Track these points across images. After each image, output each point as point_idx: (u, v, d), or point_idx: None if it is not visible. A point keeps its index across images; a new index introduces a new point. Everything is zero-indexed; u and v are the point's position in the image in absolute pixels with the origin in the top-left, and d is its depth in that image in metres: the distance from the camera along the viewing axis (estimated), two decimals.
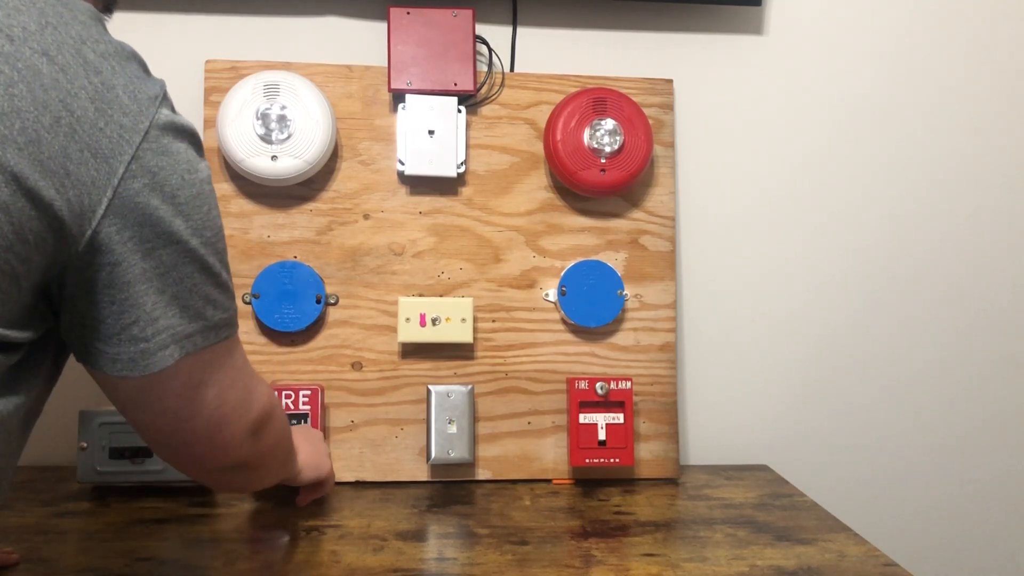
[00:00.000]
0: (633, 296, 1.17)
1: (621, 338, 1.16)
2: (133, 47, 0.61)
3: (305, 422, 1.07)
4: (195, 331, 0.62)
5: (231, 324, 0.67)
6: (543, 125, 1.16)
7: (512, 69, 1.20)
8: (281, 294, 1.09)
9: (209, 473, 0.73)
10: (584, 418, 1.09)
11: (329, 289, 1.12)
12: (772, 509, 1.03)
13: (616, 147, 1.12)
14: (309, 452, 0.96)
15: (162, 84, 0.61)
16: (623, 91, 1.16)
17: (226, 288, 0.66)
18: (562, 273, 1.14)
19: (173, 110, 0.62)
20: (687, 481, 1.15)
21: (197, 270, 0.62)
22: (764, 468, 1.23)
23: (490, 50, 1.18)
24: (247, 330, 1.10)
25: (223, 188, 1.11)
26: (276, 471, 0.84)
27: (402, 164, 1.12)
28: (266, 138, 1.06)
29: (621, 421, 1.10)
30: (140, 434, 0.68)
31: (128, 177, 0.57)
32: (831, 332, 1.28)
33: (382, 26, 1.17)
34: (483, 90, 1.16)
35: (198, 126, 1.15)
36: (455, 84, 1.13)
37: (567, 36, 1.23)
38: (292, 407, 1.07)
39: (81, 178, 0.54)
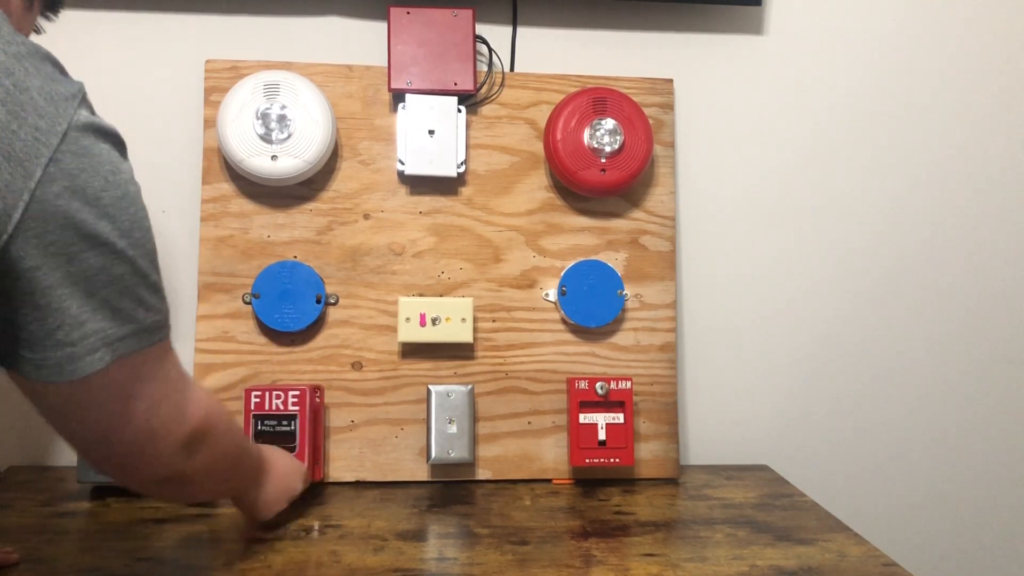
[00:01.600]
0: (633, 296, 1.17)
1: (621, 338, 1.16)
2: (48, 49, 0.59)
3: (294, 423, 1.05)
4: (127, 334, 0.61)
5: (163, 326, 0.65)
6: (543, 125, 1.16)
7: (512, 69, 1.20)
8: (281, 294, 1.09)
9: (141, 484, 0.71)
10: (584, 418, 1.09)
11: (329, 289, 1.12)
12: (772, 509, 1.03)
13: (616, 147, 1.12)
14: (280, 475, 0.92)
15: (80, 85, 0.60)
16: (623, 91, 1.16)
17: (157, 289, 0.64)
18: (562, 273, 1.14)
19: (93, 112, 0.60)
20: (687, 481, 1.15)
21: (127, 272, 0.60)
22: (764, 468, 1.23)
23: (490, 50, 1.18)
24: (247, 330, 1.10)
25: (223, 188, 1.11)
26: (218, 487, 0.81)
27: (402, 164, 1.12)
28: (266, 138, 1.06)
29: (621, 421, 1.09)
30: (68, 444, 0.66)
31: (46, 181, 0.55)
32: (831, 332, 1.28)
33: (382, 26, 1.17)
34: (483, 90, 1.16)
35: (198, 126, 1.15)
36: (455, 84, 1.13)
37: (567, 36, 1.23)
38: (282, 407, 1.04)
39: None
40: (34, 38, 0.79)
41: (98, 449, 0.65)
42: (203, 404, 0.71)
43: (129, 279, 0.60)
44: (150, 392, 0.64)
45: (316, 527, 0.94)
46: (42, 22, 0.77)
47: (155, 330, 0.63)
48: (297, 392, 1.05)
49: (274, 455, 0.92)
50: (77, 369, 0.58)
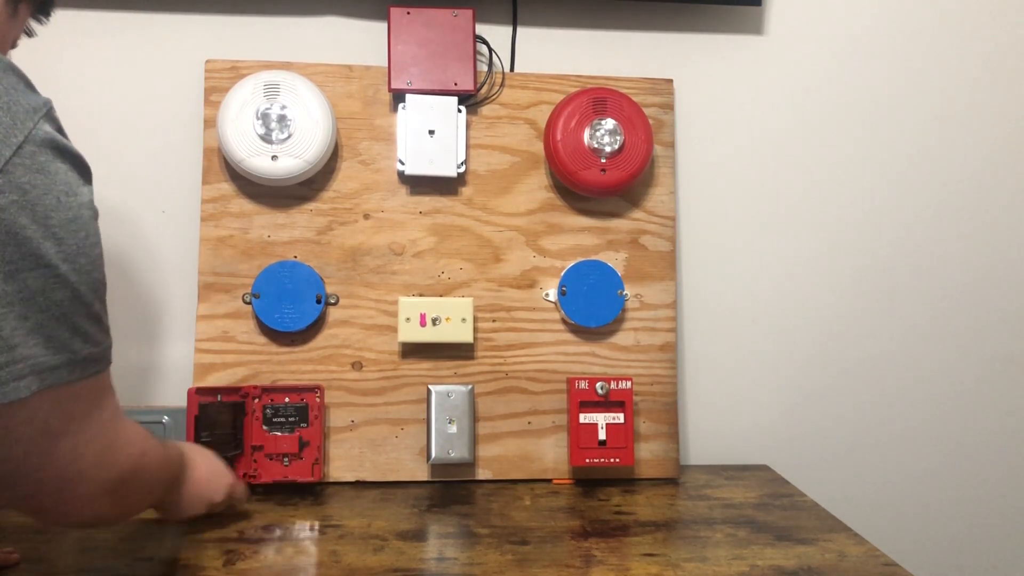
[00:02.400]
0: (633, 296, 1.17)
1: (621, 338, 1.16)
2: (14, 62, 0.57)
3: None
4: (59, 364, 0.57)
5: (100, 360, 0.62)
6: (543, 125, 1.16)
7: (512, 69, 1.20)
8: (281, 294, 1.09)
9: (58, 525, 0.67)
10: (584, 418, 1.09)
11: (329, 289, 1.12)
12: (772, 509, 1.03)
13: (616, 147, 1.12)
14: (199, 479, 0.87)
15: (47, 101, 0.58)
16: (623, 91, 1.16)
17: (99, 320, 0.61)
18: (562, 273, 1.14)
19: (59, 130, 0.58)
20: (687, 481, 1.15)
21: (67, 298, 0.57)
22: (764, 468, 1.23)
23: (490, 50, 1.18)
24: (247, 329, 1.10)
25: (223, 188, 1.11)
26: (140, 507, 0.76)
27: (402, 164, 1.12)
28: (266, 138, 1.06)
29: (621, 421, 1.09)
30: None
31: None
32: (831, 332, 1.28)
33: (382, 26, 1.17)
34: (483, 90, 1.16)
35: (198, 126, 1.15)
36: (455, 84, 1.13)
37: (567, 36, 1.23)
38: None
39: None
40: (32, 41, 0.78)
41: (20, 486, 0.61)
42: (137, 445, 0.67)
43: (68, 306, 0.57)
44: (79, 430, 0.60)
45: (316, 527, 0.94)
46: (34, 25, 0.76)
47: (91, 362, 0.60)
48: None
49: (197, 460, 0.87)
50: (1, 394, 0.55)
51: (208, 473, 0.88)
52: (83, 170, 0.60)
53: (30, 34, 0.76)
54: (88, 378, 0.60)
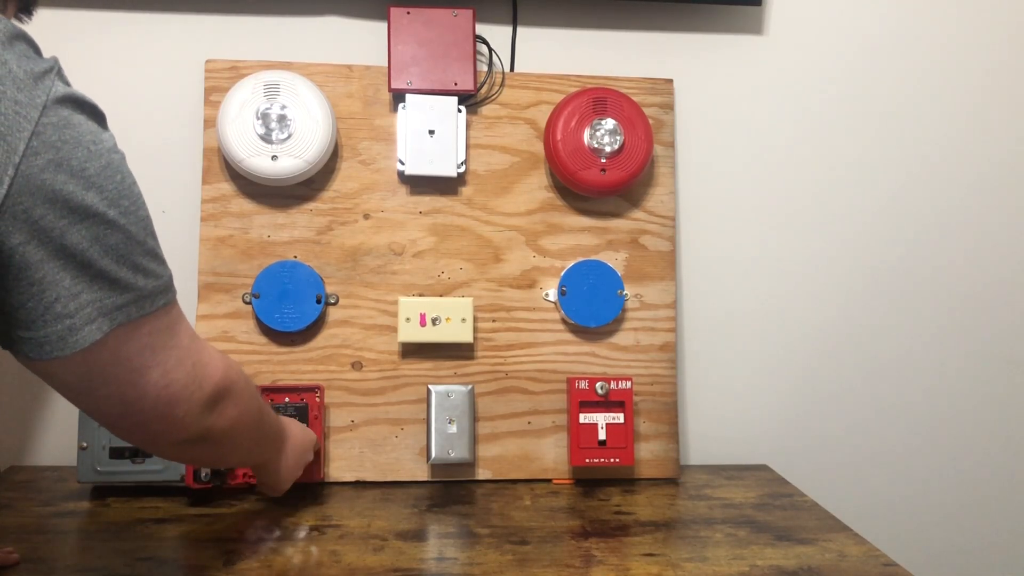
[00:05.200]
0: (633, 296, 1.17)
1: (621, 338, 1.16)
2: (23, 28, 0.59)
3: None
4: (126, 302, 0.60)
5: (167, 290, 0.64)
6: (543, 125, 1.16)
7: (512, 69, 1.20)
8: (281, 294, 1.09)
9: (170, 448, 0.71)
10: (584, 418, 1.09)
11: (329, 289, 1.12)
12: (772, 509, 1.03)
13: (616, 147, 1.12)
14: (296, 442, 0.93)
15: (55, 59, 0.59)
16: (623, 91, 1.16)
17: (155, 255, 0.64)
18: (562, 273, 1.14)
19: (68, 84, 0.60)
20: (687, 481, 1.15)
21: (121, 240, 0.59)
22: (764, 468, 1.23)
23: (490, 50, 1.18)
24: (247, 329, 1.10)
25: (223, 188, 1.11)
26: (247, 448, 0.81)
27: (402, 164, 1.12)
28: (266, 138, 1.06)
29: (621, 421, 1.09)
30: (92, 418, 0.66)
31: (30, 154, 0.54)
32: (831, 331, 1.28)
33: (382, 26, 1.17)
34: (483, 90, 1.16)
35: (198, 126, 1.15)
36: (455, 84, 1.13)
37: (567, 36, 1.22)
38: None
39: None
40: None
41: (120, 422, 0.65)
42: (219, 365, 0.70)
43: (124, 247, 0.60)
44: (162, 360, 0.63)
45: (316, 527, 0.94)
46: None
47: (158, 294, 0.63)
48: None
49: (290, 423, 0.93)
50: (78, 340, 0.58)
51: (302, 437, 0.94)
52: (100, 117, 0.62)
53: None
54: (158, 310, 0.63)
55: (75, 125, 0.58)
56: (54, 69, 0.58)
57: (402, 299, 1.11)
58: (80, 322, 0.58)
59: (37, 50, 0.59)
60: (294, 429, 0.93)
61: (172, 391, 0.64)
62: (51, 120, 0.56)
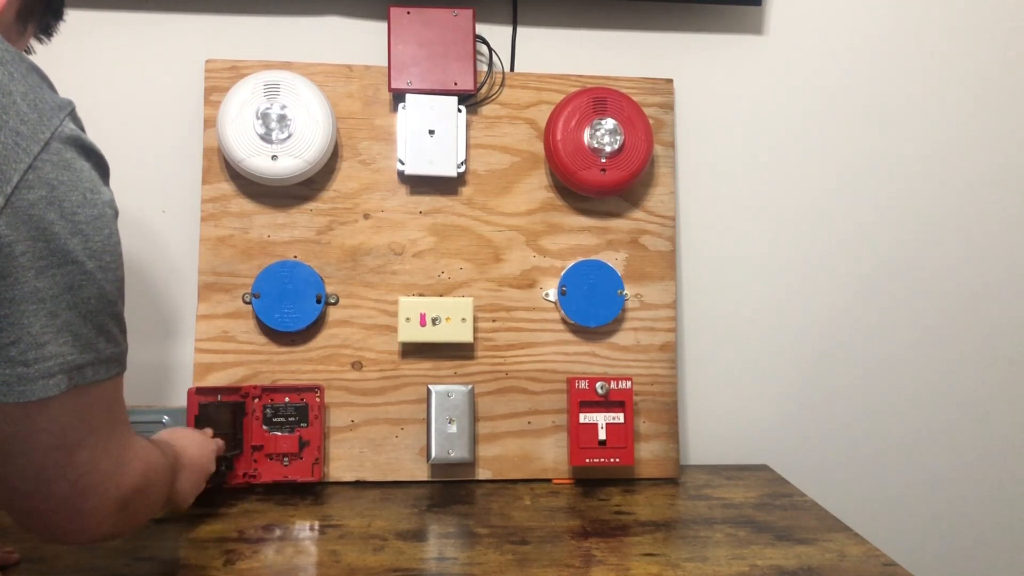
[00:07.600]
0: (633, 296, 1.17)
1: (621, 338, 1.16)
2: (45, 54, 0.59)
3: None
4: (86, 363, 0.57)
5: (121, 361, 0.62)
6: (543, 125, 1.16)
7: (512, 69, 1.20)
8: (281, 294, 1.09)
9: (60, 542, 0.66)
10: (584, 418, 1.09)
11: (329, 289, 1.12)
12: (772, 509, 1.03)
13: (616, 147, 1.12)
14: (193, 460, 0.85)
15: (70, 101, 0.58)
16: (623, 91, 1.16)
17: (119, 320, 0.61)
18: (562, 273, 1.14)
19: (82, 128, 0.59)
20: (687, 481, 1.15)
21: (94, 296, 0.57)
22: (764, 468, 1.23)
23: (490, 50, 1.18)
24: (247, 329, 1.10)
25: (223, 188, 1.11)
26: (138, 529, 0.72)
27: (402, 164, 1.12)
28: (266, 138, 1.06)
29: (621, 421, 1.09)
30: None
31: (23, 187, 0.53)
32: (831, 331, 1.28)
33: (382, 26, 1.17)
34: (483, 90, 1.16)
35: (198, 126, 1.15)
36: (455, 84, 1.13)
37: (567, 36, 1.22)
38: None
39: None
40: (32, 41, 0.80)
41: (31, 499, 0.60)
42: (142, 459, 0.66)
43: (95, 304, 0.58)
44: (93, 443, 0.59)
45: (316, 527, 0.94)
46: (33, 43, 0.77)
47: (112, 364, 0.60)
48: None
49: (184, 443, 0.86)
50: (27, 391, 0.54)
51: (198, 448, 0.87)
52: (104, 170, 0.61)
53: (29, 51, 0.78)
54: (109, 379, 0.60)
55: (76, 169, 0.57)
56: (66, 109, 0.57)
57: (402, 299, 1.11)
58: (35, 374, 0.54)
59: (50, 85, 0.58)
60: (188, 450, 0.85)
61: (90, 480, 0.60)
62: (51, 158, 0.55)
